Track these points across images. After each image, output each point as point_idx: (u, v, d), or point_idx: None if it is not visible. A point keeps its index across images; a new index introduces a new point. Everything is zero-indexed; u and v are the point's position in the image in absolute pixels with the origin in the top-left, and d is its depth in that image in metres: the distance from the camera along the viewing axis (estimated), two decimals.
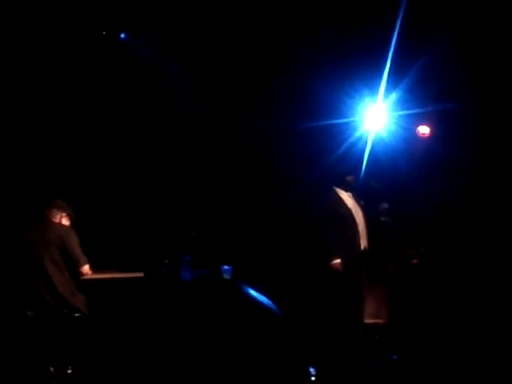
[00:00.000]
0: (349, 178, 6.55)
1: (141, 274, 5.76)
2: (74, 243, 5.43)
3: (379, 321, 6.93)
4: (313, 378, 5.08)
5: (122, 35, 7.10)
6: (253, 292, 5.66)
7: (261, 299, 5.65)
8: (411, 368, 5.75)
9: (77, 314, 5.31)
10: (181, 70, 7.53)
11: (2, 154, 6.85)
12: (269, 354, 5.21)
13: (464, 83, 7.26)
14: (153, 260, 5.98)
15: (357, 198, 6.54)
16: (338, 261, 6.24)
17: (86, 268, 5.47)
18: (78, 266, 5.42)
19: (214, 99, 7.64)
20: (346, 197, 6.50)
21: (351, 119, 7.56)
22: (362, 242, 6.38)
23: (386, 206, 6.81)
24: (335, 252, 6.26)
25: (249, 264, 7.04)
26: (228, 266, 6.13)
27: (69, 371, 5.20)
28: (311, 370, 5.10)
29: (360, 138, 7.44)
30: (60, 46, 6.92)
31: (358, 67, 7.18)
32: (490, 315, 6.43)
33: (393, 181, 7.36)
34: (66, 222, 5.65)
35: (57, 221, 5.55)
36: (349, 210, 6.41)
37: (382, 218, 6.73)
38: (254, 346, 5.23)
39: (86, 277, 5.54)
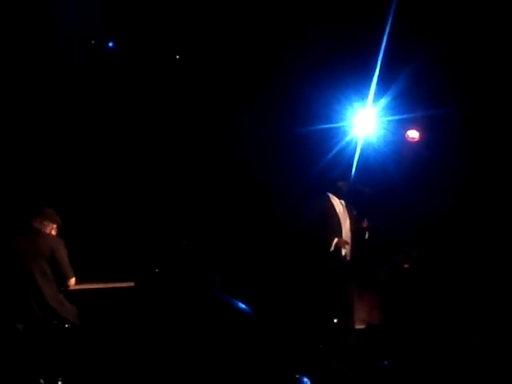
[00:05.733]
0: (340, 184, 6.59)
1: (131, 284, 5.74)
2: (64, 255, 5.39)
3: (371, 326, 6.91)
4: None
5: (110, 44, 7.09)
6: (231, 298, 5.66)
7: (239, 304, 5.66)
8: (402, 374, 5.75)
9: (67, 325, 5.28)
10: (171, 76, 7.54)
11: None
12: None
13: (453, 88, 7.27)
14: (143, 269, 5.96)
15: (349, 206, 6.59)
16: (335, 240, 6.29)
17: (72, 281, 5.47)
18: (66, 279, 5.41)
19: (204, 107, 7.64)
20: (338, 203, 6.57)
21: (340, 124, 7.55)
22: (342, 249, 6.41)
23: (366, 223, 6.71)
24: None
25: (239, 272, 7.04)
26: (218, 275, 6.13)
27: (59, 383, 5.16)
28: (305, 380, 5.09)
29: (349, 144, 7.43)
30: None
31: (347, 73, 7.17)
32: (482, 321, 6.42)
33: (382, 185, 7.35)
34: (54, 231, 5.58)
35: (47, 231, 5.48)
36: (337, 217, 6.48)
37: (366, 237, 6.67)
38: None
39: (75, 287, 5.51)
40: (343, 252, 6.42)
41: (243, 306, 5.75)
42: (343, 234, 6.43)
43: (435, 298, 6.90)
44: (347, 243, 6.40)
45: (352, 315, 6.49)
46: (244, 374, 5.30)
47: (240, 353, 5.44)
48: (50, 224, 5.52)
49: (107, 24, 6.98)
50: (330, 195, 6.58)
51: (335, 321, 6.26)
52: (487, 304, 6.64)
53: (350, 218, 6.56)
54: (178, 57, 7.47)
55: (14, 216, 6.15)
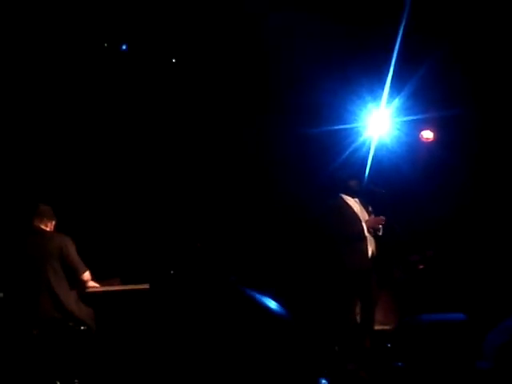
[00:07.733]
0: (352, 183, 6.56)
1: (146, 286, 5.72)
2: (73, 251, 5.34)
3: (387, 327, 6.88)
4: None
5: (124, 46, 7.10)
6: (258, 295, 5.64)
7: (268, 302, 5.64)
8: (417, 375, 5.71)
9: (82, 327, 5.26)
10: (188, 75, 7.55)
11: None
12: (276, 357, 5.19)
13: (467, 88, 7.24)
14: (158, 271, 5.94)
15: (364, 203, 6.57)
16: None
17: (86, 275, 5.41)
18: (79, 274, 5.35)
19: (216, 108, 7.64)
20: (353, 202, 6.54)
21: (354, 125, 7.54)
22: (369, 247, 6.40)
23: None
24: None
25: (255, 272, 7.03)
26: (233, 276, 6.12)
27: None
28: (324, 382, 5.07)
29: (363, 144, 7.42)
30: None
31: (361, 73, 7.16)
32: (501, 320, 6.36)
33: (396, 186, 7.33)
34: (52, 227, 5.54)
35: (48, 229, 5.46)
36: (356, 216, 6.44)
37: (380, 233, 6.66)
38: (260, 350, 5.21)
39: (90, 289, 5.50)
40: (370, 250, 6.39)
41: (274, 305, 5.71)
42: (366, 231, 6.39)
43: (452, 299, 6.85)
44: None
45: (374, 316, 6.45)
46: (265, 377, 5.28)
47: (262, 354, 5.41)
48: (51, 222, 5.51)
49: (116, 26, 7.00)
50: (343, 196, 6.54)
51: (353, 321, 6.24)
52: (505, 304, 6.58)
53: (368, 215, 6.53)
54: (174, 60, 7.45)
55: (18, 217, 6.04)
